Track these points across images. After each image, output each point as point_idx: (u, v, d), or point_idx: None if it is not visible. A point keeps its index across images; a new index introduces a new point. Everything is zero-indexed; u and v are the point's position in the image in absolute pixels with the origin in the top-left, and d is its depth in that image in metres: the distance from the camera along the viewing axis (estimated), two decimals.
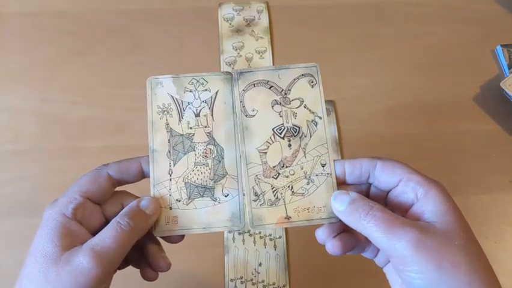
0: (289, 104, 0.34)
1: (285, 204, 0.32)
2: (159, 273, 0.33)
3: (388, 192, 0.32)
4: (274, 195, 0.32)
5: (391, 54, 0.65)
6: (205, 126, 0.35)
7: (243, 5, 0.67)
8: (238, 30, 0.65)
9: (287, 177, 0.33)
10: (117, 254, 0.29)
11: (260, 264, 0.51)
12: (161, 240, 0.34)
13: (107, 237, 0.29)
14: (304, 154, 0.33)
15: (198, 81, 0.36)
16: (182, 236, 0.33)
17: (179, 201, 0.33)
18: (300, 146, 0.34)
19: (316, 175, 0.33)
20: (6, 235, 0.52)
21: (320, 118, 0.34)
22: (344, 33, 0.66)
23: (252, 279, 0.50)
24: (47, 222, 0.30)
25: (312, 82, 0.35)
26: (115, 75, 0.61)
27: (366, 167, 0.32)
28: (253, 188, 0.32)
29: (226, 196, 0.33)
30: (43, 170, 0.55)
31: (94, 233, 0.30)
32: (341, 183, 0.33)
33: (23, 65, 0.61)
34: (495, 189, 0.56)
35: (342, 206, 0.31)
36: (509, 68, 0.63)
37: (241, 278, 0.50)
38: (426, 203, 0.30)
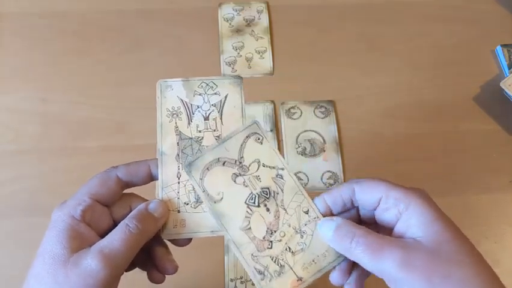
0: (248, 170, 0.33)
1: (291, 268, 0.32)
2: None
3: (374, 211, 0.32)
4: (278, 264, 0.32)
5: (391, 54, 0.65)
6: (214, 130, 0.35)
7: (243, 5, 0.67)
8: (238, 30, 0.65)
9: (280, 240, 0.32)
10: (125, 257, 0.29)
11: None
12: (167, 243, 0.34)
13: (115, 239, 0.29)
14: (285, 210, 0.33)
15: (207, 84, 0.36)
16: (190, 239, 0.33)
17: (187, 204, 0.33)
18: (277, 205, 0.33)
19: (305, 224, 0.32)
20: (6, 235, 0.51)
21: (282, 169, 0.34)
22: (344, 33, 0.66)
23: (252, 279, 0.50)
24: (56, 223, 0.30)
25: (259, 139, 0.34)
26: (115, 75, 0.61)
27: (346, 195, 0.32)
28: (255, 268, 0.32)
29: None
30: (43, 170, 0.55)
31: (102, 235, 0.30)
32: (330, 216, 0.33)
33: (23, 65, 0.61)
34: (495, 189, 0.56)
35: (329, 232, 0.31)
36: (509, 68, 0.63)
37: (241, 278, 0.50)
38: (409, 217, 0.29)
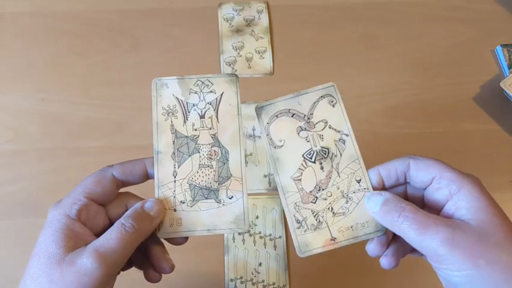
0: (314, 127, 0.35)
1: (328, 227, 0.32)
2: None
3: (424, 189, 0.32)
4: (316, 220, 0.32)
5: (391, 54, 0.65)
6: (210, 128, 0.34)
7: (243, 5, 0.67)
8: (238, 30, 0.65)
9: (325, 199, 0.33)
10: (121, 256, 0.29)
11: (260, 264, 0.51)
12: (164, 242, 0.34)
13: (111, 238, 0.29)
14: (338, 174, 0.34)
15: (203, 82, 0.36)
16: (186, 238, 0.33)
17: (183, 203, 0.33)
18: (332, 166, 0.34)
19: (354, 192, 0.33)
20: (6, 235, 0.51)
21: (347, 135, 0.35)
22: (344, 33, 0.66)
23: (252, 279, 0.50)
24: (51, 223, 0.30)
25: (332, 102, 0.35)
26: (115, 75, 0.61)
27: (401, 169, 0.32)
28: (294, 216, 0.33)
29: (230, 198, 0.33)
30: (43, 170, 0.55)
31: (98, 234, 0.30)
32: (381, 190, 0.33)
33: (23, 65, 0.61)
34: (495, 189, 0.56)
35: (376, 206, 0.31)
36: (509, 68, 0.63)
37: (241, 278, 0.50)
38: (460, 199, 0.29)
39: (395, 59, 0.64)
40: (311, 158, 0.34)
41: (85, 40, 0.64)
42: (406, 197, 0.33)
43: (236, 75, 0.36)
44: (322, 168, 0.34)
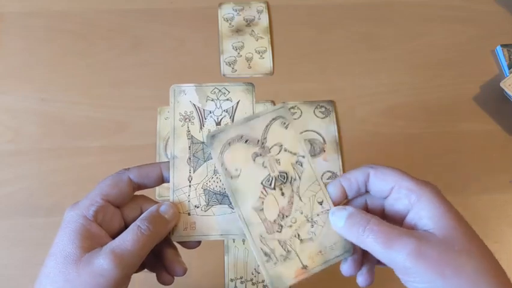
0: (270, 152, 0.33)
1: (297, 255, 0.32)
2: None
3: (384, 199, 0.32)
4: (285, 249, 0.32)
5: (391, 54, 0.65)
6: None
7: (243, 5, 0.67)
8: (238, 30, 0.65)
9: (290, 226, 0.32)
10: (136, 257, 0.29)
11: None
12: (177, 245, 0.34)
13: (127, 240, 0.29)
14: (300, 198, 0.33)
15: (219, 90, 0.36)
16: (199, 242, 0.33)
17: (197, 207, 0.33)
18: (293, 191, 0.33)
19: (318, 215, 0.32)
20: (6, 235, 0.51)
21: (303, 157, 0.34)
22: (344, 33, 0.66)
23: (252, 279, 0.50)
24: (69, 223, 0.30)
25: (284, 124, 0.34)
26: (115, 75, 0.61)
27: (361, 179, 0.32)
28: (261, 249, 0.32)
29: None
30: (43, 170, 0.55)
31: (113, 236, 0.30)
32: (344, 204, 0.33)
33: (23, 65, 0.61)
34: (495, 189, 0.56)
35: (341, 221, 0.31)
36: (509, 68, 0.63)
37: (241, 278, 0.50)
38: (420, 209, 0.29)
39: (395, 59, 0.64)
40: (270, 185, 0.33)
41: (85, 40, 0.64)
42: (367, 208, 0.33)
43: (252, 85, 0.36)
44: (283, 194, 0.33)
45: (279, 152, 0.34)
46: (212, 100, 0.36)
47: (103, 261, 0.28)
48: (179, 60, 0.63)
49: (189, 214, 0.33)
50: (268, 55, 0.64)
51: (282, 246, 0.32)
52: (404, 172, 0.31)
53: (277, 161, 0.33)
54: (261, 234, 0.32)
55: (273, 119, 0.34)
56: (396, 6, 0.68)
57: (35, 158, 0.56)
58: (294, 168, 0.33)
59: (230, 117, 0.35)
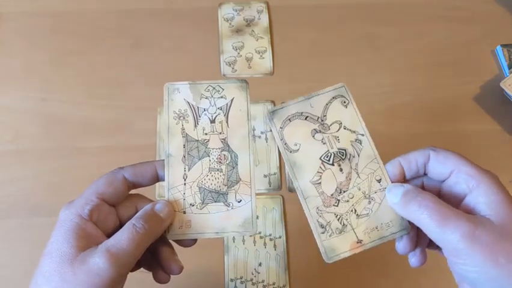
0: (329, 129, 0.34)
1: (353, 229, 0.32)
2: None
3: (442, 182, 0.32)
4: (341, 223, 0.32)
5: (391, 54, 0.65)
6: (220, 133, 0.35)
7: (243, 5, 0.67)
8: (238, 30, 0.65)
9: (348, 201, 0.33)
10: (132, 256, 0.29)
11: (260, 264, 0.51)
12: (172, 243, 0.34)
13: (122, 239, 0.29)
14: (358, 175, 0.33)
15: (214, 88, 0.36)
16: (195, 240, 0.33)
17: (193, 205, 0.33)
18: (351, 168, 0.33)
19: (375, 192, 0.33)
20: (6, 235, 0.51)
21: (363, 135, 0.35)
22: (344, 33, 0.66)
23: (252, 279, 0.50)
24: (64, 223, 0.30)
25: (344, 102, 0.35)
26: (115, 75, 0.61)
27: (421, 160, 0.32)
28: (317, 220, 0.32)
29: (239, 202, 0.33)
30: (43, 170, 0.55)
31: (108, 234, 0.30)
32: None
33: (23, 65, 0.61)
34: None
35: (396, 198, 0.31)
36: (509, 68, 0.63)
37: (241, 278, 0.50)
38: (478, 194, 0.29)
39: (395, 59, 0.64)
40: (329, 161, 0.33)
41: (85, 40, 0.64)
42: (423, 188, 0.33)
43: (246, 82, 0.36)
44: (341, 170, 0.33)
45: (339, 129, 0.34)
46: (206, 98, 0.36)
47: (98, 260, 0.28)
48: (179, 60, 0.63)
49: (184, 212, 0.33)
50: (268, 55, 0.64)
51: (338, 219, 0.32)
52: (465, 157, 0.31)
53: (336, 138, 0.34)
54: (318, 206, 0.32)
55: (333, 98, 0.35)
56: (396, 6, 0.68)
57: (35, 158, 0.56)
58: (352, 146, 0.34)
59: (224, 115, 0.35)
